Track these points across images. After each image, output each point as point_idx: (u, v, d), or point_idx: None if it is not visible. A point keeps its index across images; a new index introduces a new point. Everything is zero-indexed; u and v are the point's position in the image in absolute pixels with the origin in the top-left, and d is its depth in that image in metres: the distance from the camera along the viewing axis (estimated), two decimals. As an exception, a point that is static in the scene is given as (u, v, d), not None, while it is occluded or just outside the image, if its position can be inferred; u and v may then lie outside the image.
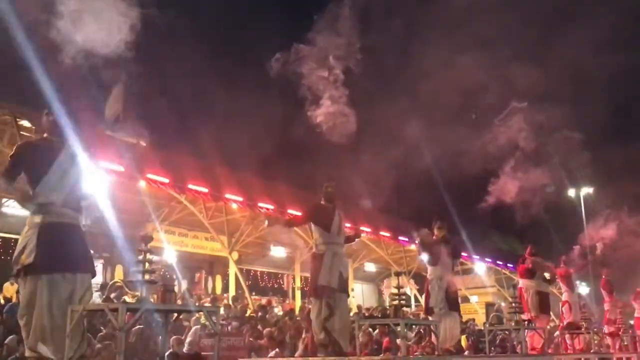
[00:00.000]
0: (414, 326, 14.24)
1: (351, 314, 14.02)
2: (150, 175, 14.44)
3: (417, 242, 8.55)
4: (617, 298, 13.69)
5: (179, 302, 7.00)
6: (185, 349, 8.79)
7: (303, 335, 10.50)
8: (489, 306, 29.19)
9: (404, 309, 6.35)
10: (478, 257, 25.97)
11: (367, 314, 16.52)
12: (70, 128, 4.88)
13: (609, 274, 13.70)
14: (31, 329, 4.57)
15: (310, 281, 7.19)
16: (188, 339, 9.53)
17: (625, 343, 11.47)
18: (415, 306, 24.12)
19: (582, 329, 9.76)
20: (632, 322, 14.46)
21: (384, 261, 26.45)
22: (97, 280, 15.50)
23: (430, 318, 8.54)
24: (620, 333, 11.19)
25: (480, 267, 27.59)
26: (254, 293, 22.04)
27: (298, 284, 24.11)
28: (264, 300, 20.32)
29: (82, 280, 4.78)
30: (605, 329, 11.96)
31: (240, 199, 17.08)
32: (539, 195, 10.90)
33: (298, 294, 23.92)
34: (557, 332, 13.35)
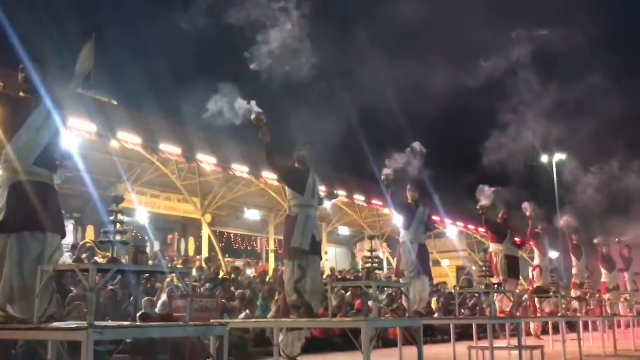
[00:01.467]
0: (385, 289, 14.53)
1: (324, 276, 14.18)
2: (121, 135, 14.20)
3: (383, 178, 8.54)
4: (586, 262, 14.02)
5: (151, 263, 6.96)
6: (157, 310, 8.79)
7: (276, 297, 10.58)
8: (460, 270, 29.76)
9: (377, 272, 6.41)
10: (450, 221, 26.28)
11: (340, 277, 16.72)
12: (43, 84, 4.77)
13: (578, 239, 14.00)
14: (0, 289, 4.52)
15: (284, 243, 7.21)
16: (160, 301, 9.53)
17: (592, 307, 11.76)
18: (388, 269, 24.44)
19: (551, 293, 9.98)
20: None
21: (358, 225, 26.65)
22: (68, 241, 15.39)
23: (401, 281, 8.65)
24: (587, 297, 11.48)
25: (452, 231, 27.96)
26: (227, 255, 22.09)
27: (272, 246, 24.21)
28: (237, 263, 20.39)
29: (52, 240, 4.71)
30: (573, 293, 12.26)
31: (214, 160, 16.96)
32: (512, 160, 11.02)
33: (272, 256, 24.05)
34: (526, 296, 13.66)
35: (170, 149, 15.63)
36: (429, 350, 10.00)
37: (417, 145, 8.51)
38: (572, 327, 11.62)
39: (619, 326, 14.96)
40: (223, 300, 11.17)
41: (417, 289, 8.56)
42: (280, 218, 21.66)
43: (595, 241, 14.70)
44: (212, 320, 6.11)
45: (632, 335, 11.88)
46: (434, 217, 22.35)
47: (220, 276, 14.74)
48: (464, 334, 11.84)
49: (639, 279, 16.18)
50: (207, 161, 16.92)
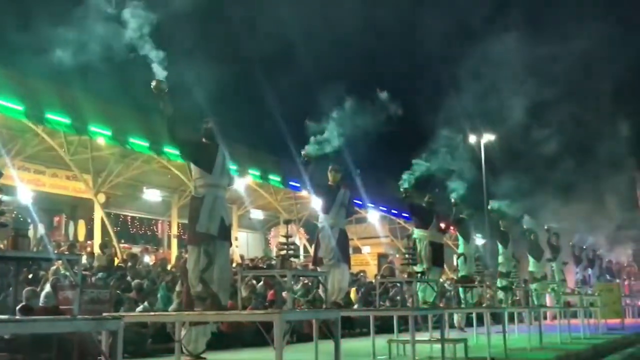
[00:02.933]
0: (301, 278, 14.66)
1: (233, 265, 14.14)
2: (-1, 101, 13.58)
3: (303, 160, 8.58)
4: (512, 250, 14.64)
5: (35, 249, 6.71)
6: (40, 302, 8.50)
7: (178, 288, 10.46)
8: (381, 257, 30.42)
9: (292, 259, 6.44)
10: (372, 205, 26.79)
11: (251, 265, 16.71)
12: None
13: (505, 226, 14.60)
14: None
15: (188, 227, 7.12)
16: (44, 291, 9.21)
17: (518, 297, 12.31)
18: (305, 257, 24.67)
19: (475, 283, 10.36)
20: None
21: (273, 208, 26.68)
22: None
23: (319, 269, 8.74)
24: (513, 287, 11.98)
25: (374, 215, 28.49)
26: (123, 241, 21.62)
27: (175, 231, 23.88)
28: (134, 249, 20.01)
29: None
30: (499, 283, 12.78)
31: (109, 133, 16.49)
32: (439, 141, 11.31)
33: (174, 242, 23.72)
34: (451, 285, 14.15)
35: (58, 118, 15.06)
36: (347, 344, 10.18)
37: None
38: (497, 318, 12.14)
39: (545, 318, 15.79)
40: (117, 291, 10.95)
41: (335, 278, 8.68)
42: (185, 199, 21.38)
43: (524, 227, 15.38)
44: (104, 314, 5.96)
45: (559, 327, 12.54)
46: (355, 201, 22.78)
47: (114, 264, 14.44)
48: (384, 327, 12.13)
49: (566, 269, 17.10)
50: (101, 133, 16.44)
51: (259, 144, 23.21)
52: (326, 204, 8.97)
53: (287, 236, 6.33)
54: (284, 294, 11.15)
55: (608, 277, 22.66)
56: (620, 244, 25.58)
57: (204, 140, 7.09)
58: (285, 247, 6.24)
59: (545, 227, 16.41)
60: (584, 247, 20.38)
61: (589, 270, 19.94)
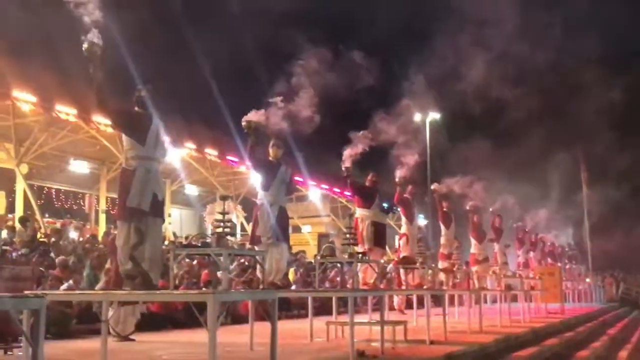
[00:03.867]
0: (237, 257, 14.63)
1: (165, 242, 14.00)
2: None
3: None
4: (455, 231, 14.94)
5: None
6: (-46, 280, 8.25)
7: (107, 265, 10.32)
8: (322, 237, 30.63)
9: (228, 237, 6.41)
10: (314, 182, 26.88)
11: (185, 243, 16.59)
12: None
13: (448, 206, 14.86)
14: None
15: (118, 202, 7.01)
16: (-41, 268, 8.93)
17: (459, 279, 12.60)
18: (241, 235, 24.61)
19: (417, 264, 10.55)
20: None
21: (209, 184, 26.46)
22: None
23: (256, 248, 8.75)
24: (454, 269, 12.25)
25: (315, 194, 28.59)
26: (47, 215, 21.17)
27: (103, 205, 23.46)
28: (59, 224, 19.60)
29: None
30: (440, 264, 13.05)
31: (34, 99, 16.03)
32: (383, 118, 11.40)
33: (103, 217, 23.33)
34: (391, 267, 14.36)
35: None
36: (284, 326, 10.25)
37: (278, 99, 8.55)
38: (438, 300, 12.41)
39: (486, 301, 16.21)
40: (40, 268, 10.74)
41: (274, 257, 8.69)
42: (115, 172, 20.98)
43: (467, 208, 15.69)
44: (25, 292, 5.84)
45: (499, 310, 12.91)
46: (297, 178, 22.81)
47: (37, 239, 14.15)
48: (323, 308, 12.24)
49: (508, 251, 17.57)
50: (25, 99, 15.99)
51: (196, 115, 22.95)
52: (266, 181, 8.95)
53: (223, 213, 6.29)
54: (219, 273, 11.13)
55: (550, 260, 23.38)
56: (563, 227, 26.43)
57: (136, 109, 6.96)
58: (222, 224, 6.20)
59: (490, 209, 16.79)
60: (527, 229, 20.95)
61: (531, 253, 20.56)
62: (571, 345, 12.49)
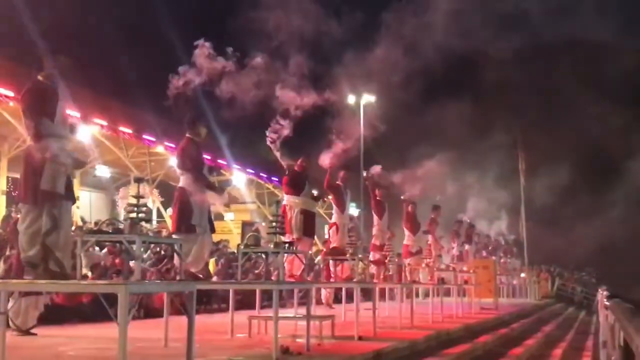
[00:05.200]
0: (153, 245, 14.44)
1: (72, 228, 13.68)
2: None
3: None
4: (388, 222, 15.13)
5: None
6: None
7: (7, 252, 10.05)
8: (246, 225, 30.53)
9: (143, 224, 6.31)
10: (238, 167, 26.75)
11: (94, 229, 16.24)
12: None
13: (382, 195, 15.01)
14: None
15: (23, 184, 6.83)
16: None
17: (390, 272, 12.76)
18: (158, 222, 24.31)
19: (347, 256, 10.63)
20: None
21: (122, 165, 25.97)
22: None
23: (174, 236, 8.65)
24: (386, 261, 12.39)
25: (239, 178, 28.46)
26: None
27: (3, 186, 22.77)
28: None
29: None
30: (372, 256, 13.20)
31: None
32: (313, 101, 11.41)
33: (2, 199, 22.63)
34: (319, 258, 14.45)
35: None
36: (203, 320, 10.19)
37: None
38: (368, 294, 12.55)
39: (418, 295, 16.50)
40: None
41: (193, 246, 8.63)
42: (17, 150, 20.36)
43: (402, 197, 15.91)
44: None
45: (431, 305, 13.15)
46: (220, 161, 22.66)
47: None
48: (245, 302, 12.24)
49: (443, 243, 17.93)
50: None
51: (108, 89, 22.46)
52: (189, 163, 8.85)
53: (137, 197, 6.19)
54: (131, 263, 10.95)
55: (485, 253, 23.99)
56: (498, 219, 27.08)
57: (41, 79, 6.78)
58: (135, 209, 6.10)
59: (402, 197, 16.92)
60: (462, 221, 21.41)
61: (467, 246, 21.03)
62: (505, 342, 12.86)
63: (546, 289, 34.55)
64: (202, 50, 8.36)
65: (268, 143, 10.43)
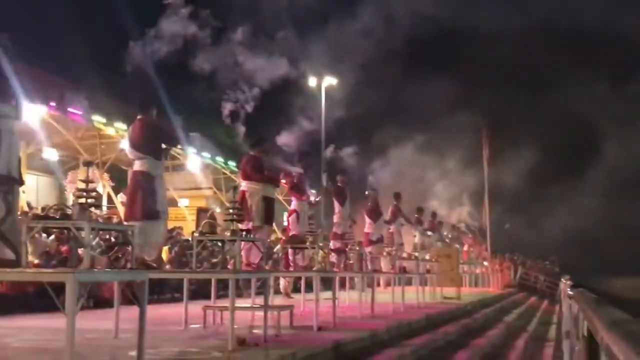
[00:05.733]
0: (102, 232, 14.23)
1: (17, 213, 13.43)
2: None
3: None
4: (350, 209, 15.15)
5: None
6: None
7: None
8: (201, 212, 30.31)
9: (93, 209, 6.21)
10: (194, 150, 26.52)
11: (41, 214, 16.00)
12: None
13: (343, 180, 15.02)
14: None
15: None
16: None
17: (351, 261, 12.81)
18: (109, 208, 23.99)
19: (307, 244, 10.62)
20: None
21: (71, 148, 25.55)
22: None
23: (134, 224, 8.54)
24: (347, 249, 12.43)
25: (194, 163, 28.24)
26: None
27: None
28: None
29: None
30: (332, 245, 13.22)
31: None
32: (273, 82, 11.36)
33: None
34: (278, 246, 14.42)
35: None
36: (155, 311, 10.11)
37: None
38: (328, 283, 12.58)
39: (379, 284, 16.59)
40: None
41: (146, 233, 8.54)
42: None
43: (368, 186, 15.96)
44: None
45: (392, 294, 13.23)
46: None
47: None
48: (200, 292, 12.16)
49: (405, 232, 18.03)
50: None
51: (56, 65, 22.06)
52: (146, 147, 8.74)
53: (87, 181, 6.09)
54: (80, 250, 10.80)
55: (448, 242, 24.20)
56: (461, 205, 27.34)
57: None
58: (85, 194, 6.00)
59: (367, 191, 17.02)
60: (423, 208, 21.57)
61: (429, 234, 21.20)
62: (467, 332, 13.01)
63: (509, 277, 35.02)
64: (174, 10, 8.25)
65: (225, 117, 10.35)
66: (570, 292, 8.62)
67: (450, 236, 25.42)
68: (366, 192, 16.03)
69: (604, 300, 4.87)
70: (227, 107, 10.26)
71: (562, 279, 19.60)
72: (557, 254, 42.06)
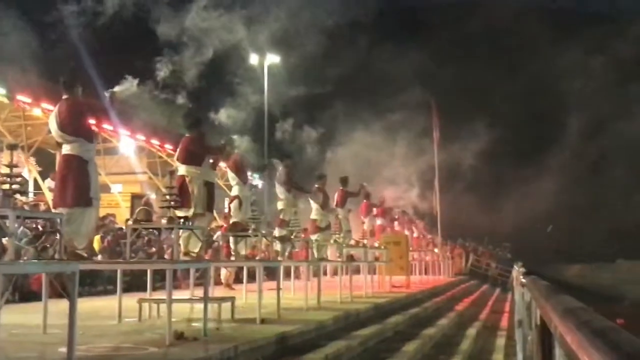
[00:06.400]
0: (29, 221, 13.99)
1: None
2: None
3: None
4: (297, 194, 15.11)
5: None
6: None
7: None
8: (135, 198, 29.99)
9: (18, 196, 6.11)
10: (127, 132, 26.17)
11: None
12: None
13: (290, 164, 14.98)
14: None
15: None
16: None
17: (297, 249, 12.83)
18: (35, 194, 23.56)
19: (249, 231, 10.59)
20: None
21: (-6, 129, 25.06)
22: None
23: (54, 210, 8.41)
24: (292, 237, 12.42)
25: (128, 145, 27.90)
26: None
27: None
28: None
29: None
30: (277, 232, 13.20)
31: None
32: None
33: None
34: (219, 234, 14.35)
35: None
36: (86, 304, 10.01)
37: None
38: (272, 273, 12.59)
39: (326, 273, 16.67)
40: None
41: (76, 221, 8.41)
42: None
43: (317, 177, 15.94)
44: None
45: (340, 284, 13.30)
46: (106, 126, 22.13)
47: None
48: (135, 283, 12.06)
49: (352, 218, 18.10)
50: None
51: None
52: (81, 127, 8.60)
53: (11, 166, 5.98)
54: (4, 240, 10.61)
55: (397, 228, 24.37)
56: (411, 189, 27.50)
57: None
58: (9, 179, 5.90)
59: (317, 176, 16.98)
60: (365, 189, 21.65)
61: (378, 221, 21.33)
62: (417, 322, 13.18)
63: (460, 265, 35.51)
64: None
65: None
66: (523, 280, 8.78)
67: (399, 222, 25.54)
68: (318, 177, 16.02)
69: (557, 287, 4.95)
70: (160, 77, 10.14)
71: (515, 266, 19.96)
72: (510, 240, 42.65)
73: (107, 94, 9.05)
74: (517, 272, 14.52)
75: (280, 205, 14.70)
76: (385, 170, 24.99)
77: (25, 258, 9.20)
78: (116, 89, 9.12)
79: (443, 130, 31.74)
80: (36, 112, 23.11)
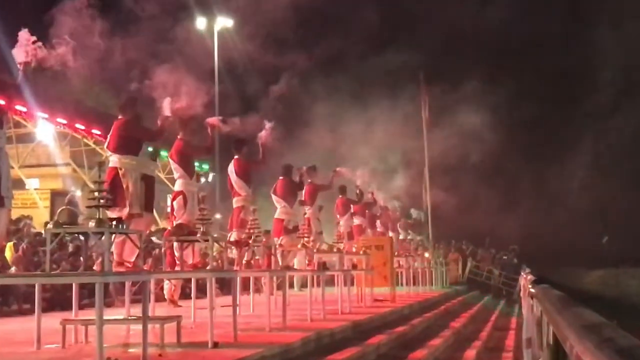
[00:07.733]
0: None
1: None
2: None
3: None
4: (253, 188, 15.11)
5: None
6: None
7: None
8: (57, 196, 29.82)
9: None
10: (45, 115, 25.96)
11: None
12: None
13: (243, 154, 14.96)
14: None
15: None
16: None
17: (258, 257, 12.81)
18: None
19: (198, 235, 10.55)
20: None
21: None
22: None
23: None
24: (250, 242, 12.38)
25: (46, 131, 27.71)
26: None
27: None
28: None
29: None
30: (235, 236, 13.18)
31: None
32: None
33: None
34: (162, 239, 14.30)
35: None
36: (-2, 327, 9.94)
37: None
38: (226, 286, 12.58)
39: (292, 285, 16.66)
40: None
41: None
42: None
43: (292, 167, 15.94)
44: None
45: (309, 298, 13.28)
46: (18, 107, 21.95)
47: None
48: (58, 301, 12.00)
49: (324, 217, 18.12)
50: None
51: None
52: None
53: None
54: None
55: (380, 229, 24.35)
56: (396, 182, 27.56)
57: None
58: None
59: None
60: (358, 189, 21.68)
61: (356, 220, 21.33)
62: (403, 343, 13.23)
63: (456, 272, 35.64)
64: None
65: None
66: (532, 290, 8.85)
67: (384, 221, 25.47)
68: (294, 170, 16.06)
69: (573, 298, 4.97)
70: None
71: (522, 273, 20.11)
72: (518, 241, 42.62)
73: (18, 66, 8.97)
74: (524, 280, 14.66)
75: (237, 202, 14.66)
76: (361, 154, 25.03)
77: None
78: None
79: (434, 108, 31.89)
80: None
